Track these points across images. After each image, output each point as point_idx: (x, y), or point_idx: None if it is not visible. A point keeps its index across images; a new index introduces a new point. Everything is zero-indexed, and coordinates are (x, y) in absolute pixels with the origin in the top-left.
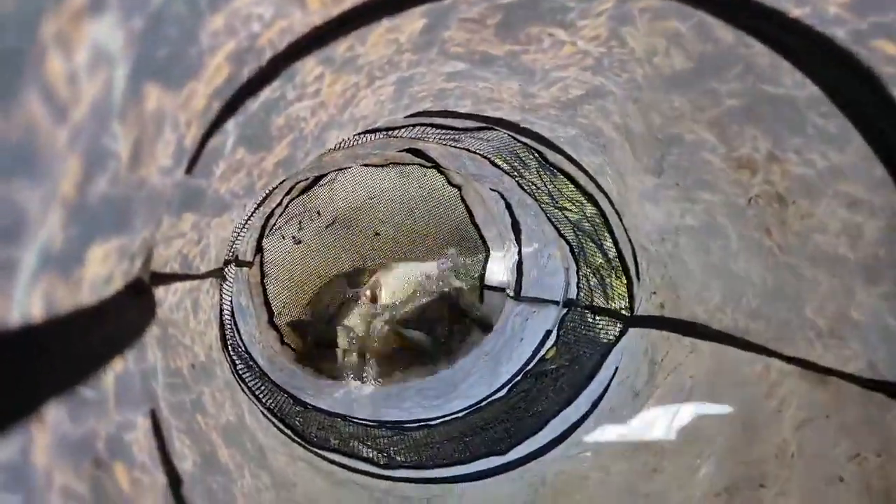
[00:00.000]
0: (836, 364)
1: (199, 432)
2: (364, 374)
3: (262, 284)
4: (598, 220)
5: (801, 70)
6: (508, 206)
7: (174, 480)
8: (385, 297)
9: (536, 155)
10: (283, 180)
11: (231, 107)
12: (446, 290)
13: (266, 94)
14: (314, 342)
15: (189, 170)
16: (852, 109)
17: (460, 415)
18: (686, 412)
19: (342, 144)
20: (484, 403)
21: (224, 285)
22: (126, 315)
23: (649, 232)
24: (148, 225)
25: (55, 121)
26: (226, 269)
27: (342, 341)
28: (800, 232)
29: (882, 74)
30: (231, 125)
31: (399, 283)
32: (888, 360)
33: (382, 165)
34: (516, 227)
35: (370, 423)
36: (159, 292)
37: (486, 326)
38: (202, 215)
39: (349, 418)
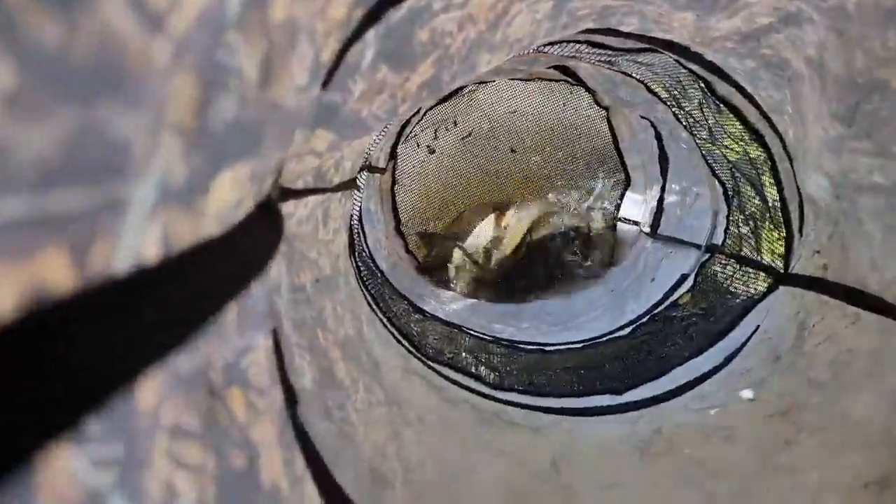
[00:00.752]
0: None
1: (318, 347)
2: (476, 293)
3: (392, 191)
4: (763, 164)
5: None
6: (658, 136)
7: (291, 400)
8: (513, 225)
9: (702, 84)
10: None
11: (373, 16)
12: (580, 225)
13: (410, 2)
14: (437, 255)
15: (325, 84)
16: None
17: (578, 346)
18: (836, 387)
19: None
20: (604, 339)
21: (356, 193)
22: (254, 240)
23: (823, 184)
24: (282, 146)
25: (148, 32)
26: (359, 177)
27: (457, 258)
28: None
29: None
30: (371, 36)
31: (530, 214)
32: None
33: (527, 80)
34: (664, 160)
35: (485, 337)
36: (288, 206)
37: (615, 261)
38: (341, 137)
39: (465, 329)
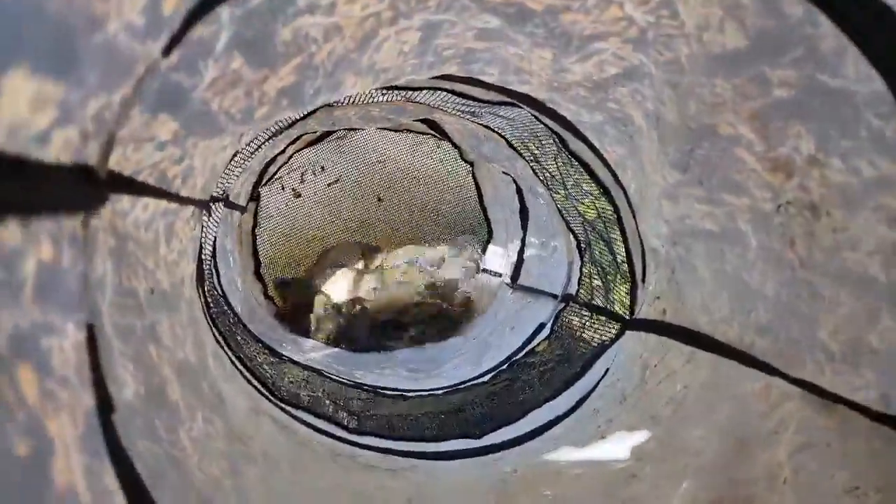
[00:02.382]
0: (845, 392)
1: (148, 362)
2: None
3: (253, 233)
4: (610, 217)
5: (869, 58)
6: (519, 191)
7: (105, 406)
8: (378, 275)
9: (557, 140)
10: (291, 125)
11: None
12: (444, 276)
13: None
14: (296, 303)
15: (167, 51)
16: None
17: (439, 393)
18: (674, 422)
19: (356, 99)
20: (465, 386)
21: (209, 221)
22: (61, 192)
23: (663, 233)
24: (105, 88)
25: None
26: (213, 206)
27: (318, 309)
28: (829, 247)
29: None
30: (226, 15)
31: (395, 264)
32: None
33: (396, 130)
34: (524, 214)
35: (346, 382)
36: (124, 201)
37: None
38: (188, 129)
39: (325, 374)
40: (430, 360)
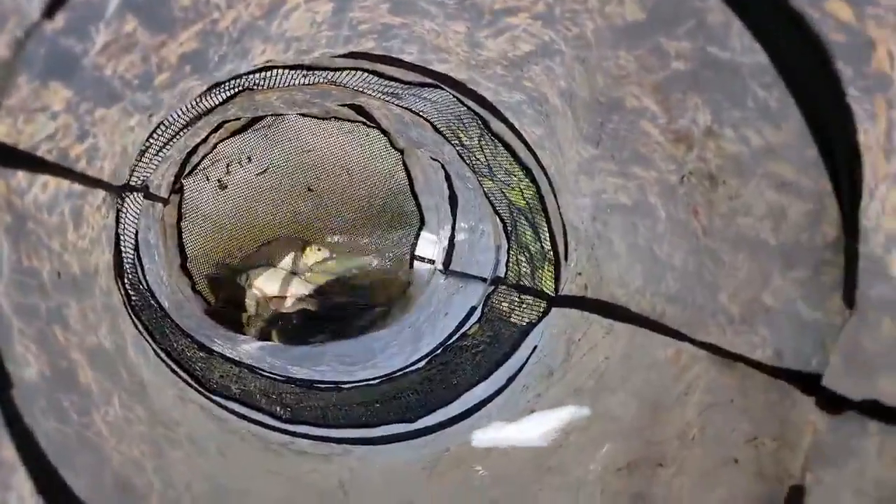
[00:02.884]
0: (744, 350)
1: (53, 345)
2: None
3: (178, 226)
4: (533, 198)
5: (751, 31)
6: (448, 178)
7: (3, 382)
8: (307, 270)
9: (479, 122)
10: (210, 110)
11: None
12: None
13: None
14: (228, 299)
15: (50, 13)
16: (795, 82)
17: (374, 382)
18: (596, 391)
19: (276, 81)
20: (399, 374)
21: (127, 212)
22: None
23: (582, 209)
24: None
25: None
26: (130, 196)
27: (250, 306)
28: (725, 214)
29: (830, 43)
30: None
31: (325, 257)
32: (794, 349)
33: (323, 118)
34: (453, 199)
35: (279, 378)
36: (19, 177)
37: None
38: (81, 96)
39: (257, 370)
40: (364, 350)
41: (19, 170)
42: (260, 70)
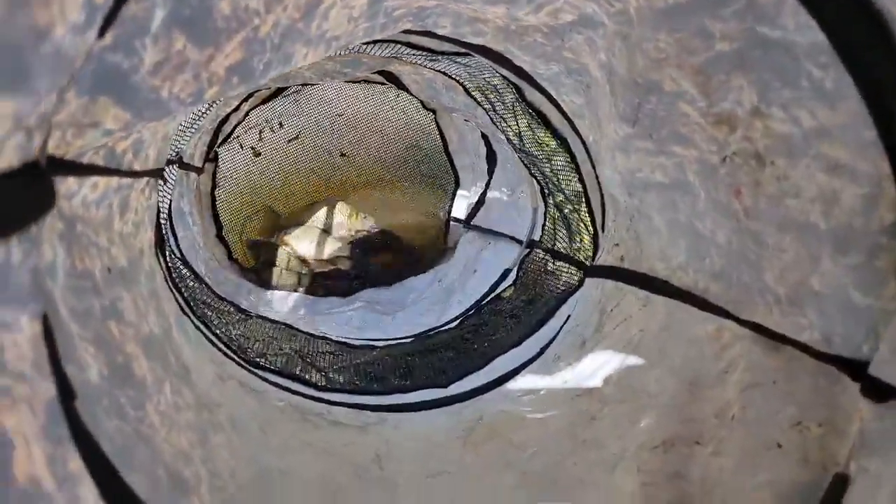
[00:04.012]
0: (791, 332)
1: (110, 341)
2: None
3: (213, 195)
4: (568, 166)
5: (807, 8)
6: (485, 136)
7: (66, 394)
8: (339, 227)
9: (514, 90)
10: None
11: None
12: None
13: None
14: (266, 261)
15: (101, 33)
16: (854, 61)
17: (407, 340)
18: (631, 364)
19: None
20: (432, 333)
21: (164, 186)
22: (13, 198)
23: (619, 183)
24: (52, 89)
25: None
26: (167, 170)
27: (282, 258)
28: (773, 195)
29: (894, 21)
30: None
31: (358, 215)
32: (844, 335)
33: (354, 82)
34: (491, 158)
35: (313, 335)
36: (69, 183)
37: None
38: (139, 116)
39: (293, 328)
40: (395, 298)
41: (69, 176)
42: None
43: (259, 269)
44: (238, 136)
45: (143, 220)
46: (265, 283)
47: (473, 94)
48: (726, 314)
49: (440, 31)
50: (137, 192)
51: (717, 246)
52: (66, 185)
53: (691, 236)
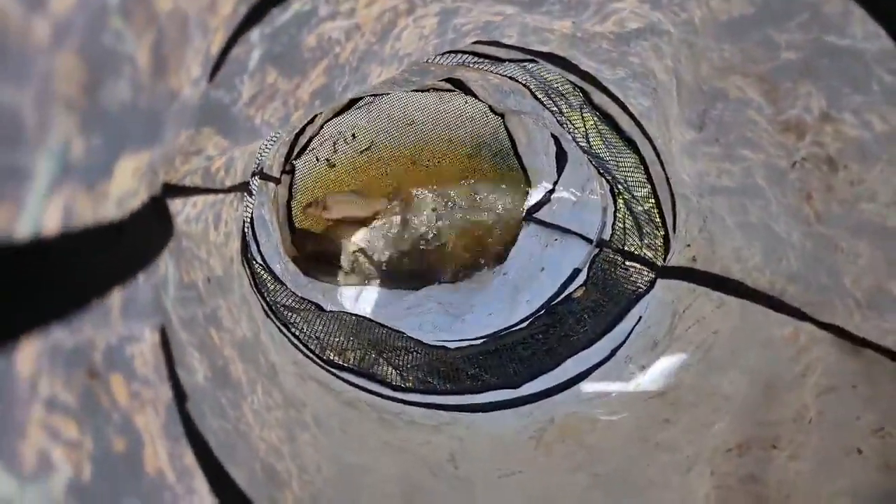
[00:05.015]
0: (872, 336)
1: (211, 347)
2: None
3: (289, 206)
4: (636, 167)
5: (875, 18)
6: (555, 136)
7: (180, 396)
8: (407, 225)
9: (580, 93)
10: None
11: (257, 13)
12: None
13: (296, 6)
14: (314, 253)
15: (210, 78)
16: None
17: (477, 342)
18: (704, 367)
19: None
20: (503, 333)
21: (248, 198)
22: (146, 232)
23: (689, 185)
24: (177, 136)
25: (28, 10)
26: (251, 181)
27: (345, 261)
28: (846, 199)
29: None
30: (256, 36)
31: (426, 214)
32: None
33: (422, 91)
34: (561, 157)
35: (389, 328)
36: (176, 204)
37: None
38: (235, 143)
39: (371, 320)
40: (464, 299)
41: (177, 198)
42: None
43: (317, 264)
44: (314, 149)
45: (232, 231)
46: (333, 279)
47: (539, 97)
48: (804, 316)
49: (506, 41)
50: (227, 204)
51: (794, 247)
52: (174, 206)
53: (767, 237)
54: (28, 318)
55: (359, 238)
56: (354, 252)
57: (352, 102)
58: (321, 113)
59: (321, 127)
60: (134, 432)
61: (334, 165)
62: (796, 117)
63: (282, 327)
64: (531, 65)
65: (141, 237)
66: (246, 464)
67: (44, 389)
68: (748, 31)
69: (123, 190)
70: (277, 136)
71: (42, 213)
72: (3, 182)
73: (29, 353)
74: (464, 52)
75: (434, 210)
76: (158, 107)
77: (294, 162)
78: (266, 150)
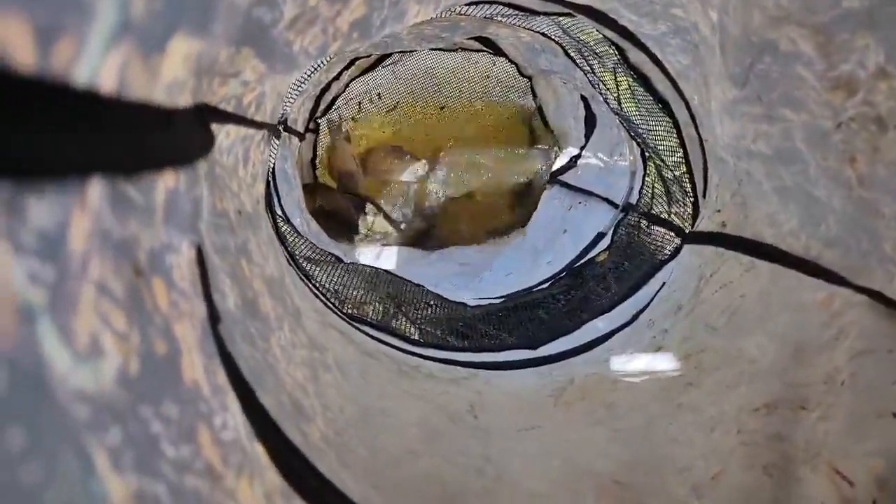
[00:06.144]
0: None
1: (242, 277)
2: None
3: (313, 165)
4: (669, 129)
5: None
6: (584, 98)
7: (213, 317)
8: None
9: (616, 51)
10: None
11: None
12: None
13: None
14: (334, 211)
15: None
16: None
17: (497, 301)
18: (730, 330)
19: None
20: (523, 293)
21: (274, 143)
22: (190, 134)
23: (726, 146)
24: (222, 38)
25: None
26: (279, 128)
27: (363, 227)
28: (893, 161)
29: None
30: None
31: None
32: None
33: (450, 50)
34: (590, 120)
35: (408, 280)
36: (213, 128)
37: None
38: (273, 70)
39: (391, 273)
40: (481, 259)
41: (213, 122)
42: None
43: (329, 216)
44: (338, 108)
45: (258, 173)
46: (353, 237)
47: (572, 55)
48: (841, 281)
49: None
50: (255, 143)
51: (834, 212)
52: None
53: (805, 201)
54: (92, 159)
55: (383, 197)
56: (375, 212)
57: (378, 61)
58: (347, 68)
59: (347, 86)
60: (173, 339)
61: (349, 140)
62: (848, 73)
63: (302, 277)
64: (566, 20)
65: (187, 136)
66: (274, 393)
67: (95, 271)
68: None
69: (173, 75)
70: (302, 86)
71: (101, 65)
72: (67, 9)
73: (80, 228)
74: (498, 3)
75: (458, 171)
76: None
77: (318, 120)
78: (291, 100)
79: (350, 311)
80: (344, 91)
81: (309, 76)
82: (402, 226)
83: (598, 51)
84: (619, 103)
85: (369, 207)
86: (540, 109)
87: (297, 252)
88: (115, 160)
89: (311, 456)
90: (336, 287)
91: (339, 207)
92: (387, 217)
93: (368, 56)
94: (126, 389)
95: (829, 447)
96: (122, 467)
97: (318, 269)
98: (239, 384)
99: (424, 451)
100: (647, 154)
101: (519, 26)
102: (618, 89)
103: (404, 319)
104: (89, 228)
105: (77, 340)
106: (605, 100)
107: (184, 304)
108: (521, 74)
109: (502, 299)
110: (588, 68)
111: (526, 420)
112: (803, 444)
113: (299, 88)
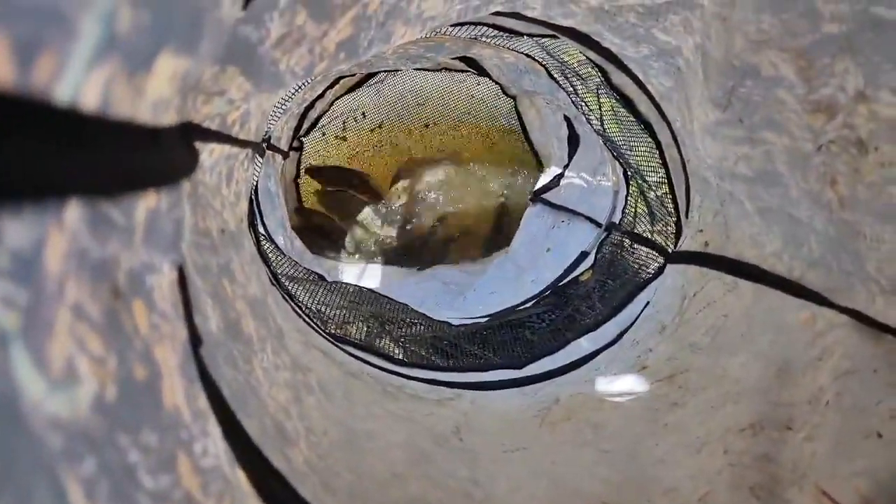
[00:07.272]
0: (895, 322)
1: (224, 297)
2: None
3: (296, 183)
4: (652, 150)
5: None
6: (567, 118)
7: (195, 339)
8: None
9: (599, 73)
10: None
11: None
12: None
13: None
14: (318, 228)
15: (245, 6)
16: None
17: (481, 320)
18: (714, 350)
19: None
20: (507, 312)
21: (257, 160)
22: (174, 153)
23: (709, 168)
24: (208, 55)
25: None
26: (262, 145)
27: (349, 244)
28: (874, 182)
29: None
30: None
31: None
32: None
33: (434, 70)
34: (573, 140)
35: (392, 299)
36: (197, 147)
37: None
38: (258, 88)
39: (374, 291)
40: (464, 278)
41: (196, 141)
42: None
43: (312, 232)
44: (322, 126)
45: (241, 192)
46: (338, 254)
47: (556, 76)
48: (823, 301)
49: (529, 13)
50: (239, 162)
51: (816, 233)
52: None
53: (787, 223)
54: (72, 178)
55: (364, 217)
56: (359, 232)
57: (363, 80)
58: (332, 87)
59: (331, 104)
60: (153, 363)
61: (345, 139)
62: (829, 97)
63: (285, 297)
64: (550, 41)
65: (170, 156)
66: (257, 417)
67: (71, 293)
68: (791, 1)
69: (159, 94)
70: (286, 104)
71: (84, 82)
72: (48, 25)
73: (57, 248)
74: (483, 24)
75: (440, 190)
76: (202, 4)
77: (303, 139)
78: (274, 119)
79: (333, 331)
80: (328, 109)
81: (293, 94)
82: (387, 245)
83: (581, 72)
84: (602, 124)
85: (356, 226)
86: (524, 129)
87: (279, 271)
88: (96, 179)
89: (294, 481)
90: (319, 306)
91: (323, 223)
92: (371, 235)
93: (353, 75)
94: (102, 416)
95: (816, 468)
96: (97, 499)
97: (301, 288)
98: (220, 408)
99: (411, 475)
100: (629, 174)
101: (503, 47)
102: (601, 110)
103: (388, 339)
104: (66, 249)
105: (51, 366)
106: (588, 120)
107: (165, 326)
108: (505, 94)
109: (487, 318)
110: (571, 89)
111: (512, 441)
112: (790, 465)
113: (283, 107)
